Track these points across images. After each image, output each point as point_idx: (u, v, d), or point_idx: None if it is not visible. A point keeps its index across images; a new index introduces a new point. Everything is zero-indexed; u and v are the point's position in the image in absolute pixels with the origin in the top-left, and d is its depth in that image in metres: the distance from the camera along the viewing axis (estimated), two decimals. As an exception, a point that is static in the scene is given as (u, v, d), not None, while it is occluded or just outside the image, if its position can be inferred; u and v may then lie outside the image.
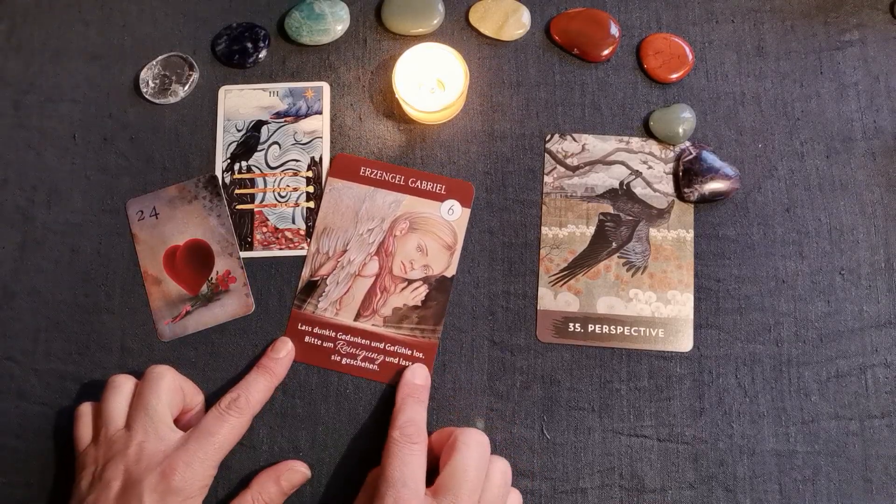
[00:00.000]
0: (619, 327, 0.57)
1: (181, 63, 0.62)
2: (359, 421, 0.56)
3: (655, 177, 0.59)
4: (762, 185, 0.59)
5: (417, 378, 0.55)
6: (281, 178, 0.60)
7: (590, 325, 0.57)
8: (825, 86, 0.61)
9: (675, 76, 0.60)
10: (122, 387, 0.53)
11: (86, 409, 0.53)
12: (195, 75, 0.62)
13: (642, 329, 0.57)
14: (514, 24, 0.62)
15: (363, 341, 0.57)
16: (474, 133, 0.61)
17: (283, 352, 0.56)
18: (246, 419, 0.52)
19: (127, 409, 0.52)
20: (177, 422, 0.53)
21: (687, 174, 0.58)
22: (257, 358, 0.57)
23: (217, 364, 0.57)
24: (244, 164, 0.61)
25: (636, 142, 0.60)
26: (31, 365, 0.57)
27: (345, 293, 0.58)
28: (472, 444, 0.49)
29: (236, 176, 0.60)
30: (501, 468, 0.51)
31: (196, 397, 0.55)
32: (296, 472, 0.53)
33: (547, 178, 0.59)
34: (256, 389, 0.53)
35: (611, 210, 0.59)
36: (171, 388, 0.52)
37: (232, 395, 0.52)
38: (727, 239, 0.58)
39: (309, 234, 0.59)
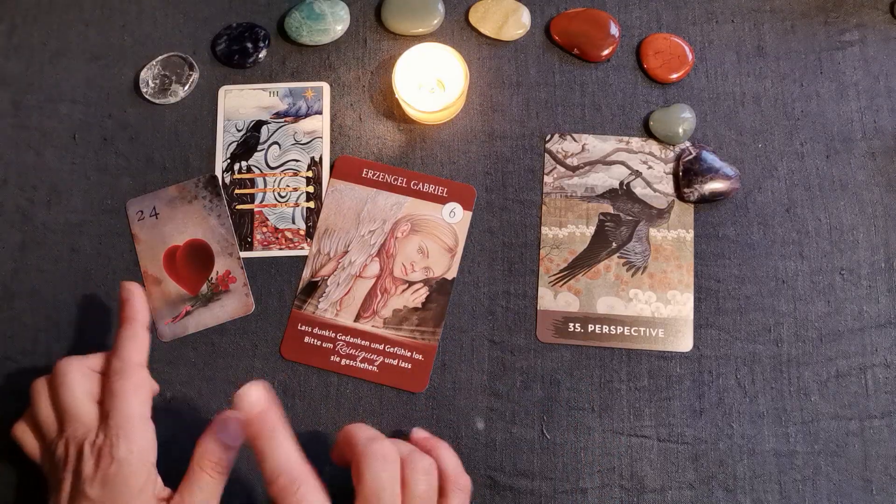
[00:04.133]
0: (619, 327, 0.57)
1: (181, 63, 0.62)
2: (358, 421, 0.56)
3: (655, 177, 0.59)
4: (762, 185, 0.59)
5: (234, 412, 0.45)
6: (281, 178, 0.60)
7: (590, 325, 0.57)
8: (825, 86, 0.61)
9: (675, 76, 0.60)
10: (41, 393, 0.50)
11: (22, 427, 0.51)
12: (195, 75, 0.62)
13: (642, 329, 0.57)
14: (514, 24, 0.62)
15: (363, 342, 0.57)
16: (474, 133, 0.61)
17: (126, 293, 0.50)
18: (133, 376, 0.48)
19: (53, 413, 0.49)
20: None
21: (687, 174, 0.58)
22: (257, 358, 0.57)
23: (217, 364, 0.57)
24: (244, 164, 0.61)
25: (636, 142, 0.60)
26: (31, 365, 0.57)
27: (345, 294, 0.58)
28: (376, 464, 0.45)
29: (236, 176, 0.60)
30: (424, 468, 0.46)
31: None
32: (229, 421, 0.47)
33: (547, 178, 0.60)
34: (122, 344, 0.49)
35: (611, 210, 0.59)
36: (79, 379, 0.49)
37: (106, 364, 0.49)
38: (727, 239, 0.58)
39: (309, 234, 0.59)
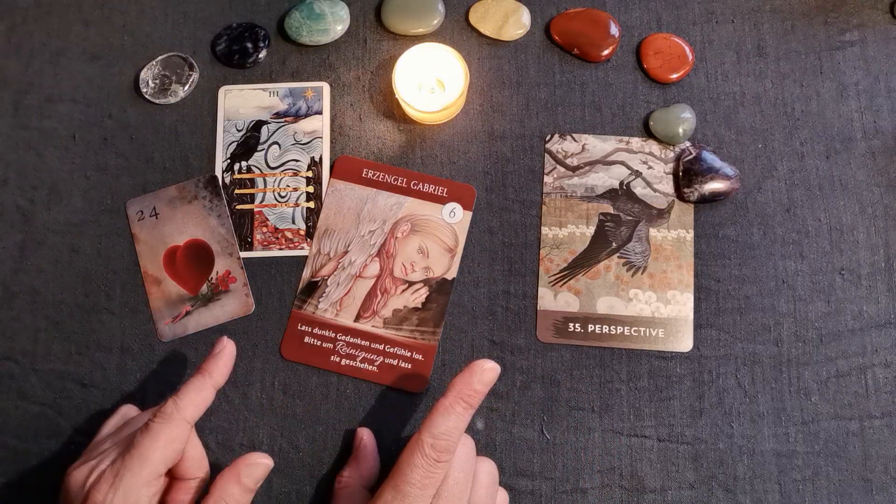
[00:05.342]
0: (619, 327, 0.57)
1: (181, 63, 0.62)
2: (358, 421, 0.56)
3: (655, 177, 0.59)
4: (762, 185, 0.59)
5: (477, 382, 0.47)
6: (281, 179, 0.60)
7: (590, 325, 0.57)
8: (825, 86, 0.61)
9: (675, 76, 0.60)
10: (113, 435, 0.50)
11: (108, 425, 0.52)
12: (195, 75, 0.62)
13: (642, 329, 0.57)
14: (514, 24, 0.62)
15: (363, 342, 0.57)
16: (474, 133, 0.61)
17: (218, 348, 0.51)
18: (175, 427, 0.46)
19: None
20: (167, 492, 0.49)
21: (687, 174, 0.58)
22: (257, 358, 0.57)
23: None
24: (244, 164, 0.61)
25: (636, 142, 0.60)
26: (31, 365, 0.57)
27: (345, 294, 0.58)
28: (459, 449, 0.47)
29: (236, 176, 0.60)
30: (488, 469, 0.49)
31: (196, 470, 0.50)
32: (256, 465, 0.48)
33: (547, 178, 0.60)
34: (186, 392, 0.48)
35: (611, 210, 0.59)
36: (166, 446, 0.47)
37: (161, 404, 0.48)
38: (727, 239, 0.58)
39: (309, 234, 0.59)
